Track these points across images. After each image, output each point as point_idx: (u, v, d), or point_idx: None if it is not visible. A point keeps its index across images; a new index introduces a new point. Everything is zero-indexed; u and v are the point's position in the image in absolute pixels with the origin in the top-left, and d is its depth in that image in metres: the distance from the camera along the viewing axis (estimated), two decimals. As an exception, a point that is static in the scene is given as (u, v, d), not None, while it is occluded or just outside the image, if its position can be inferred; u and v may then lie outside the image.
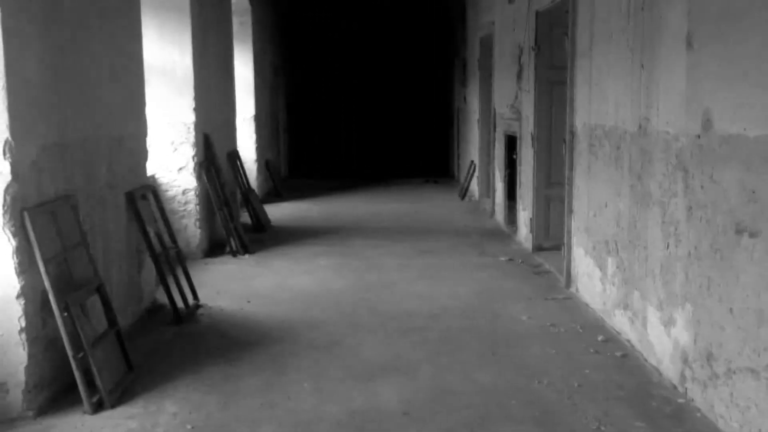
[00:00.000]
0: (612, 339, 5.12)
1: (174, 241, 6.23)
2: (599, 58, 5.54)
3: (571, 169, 6.33)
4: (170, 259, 5.97)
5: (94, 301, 4.52)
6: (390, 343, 5.17)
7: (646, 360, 4.64)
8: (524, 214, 8.32)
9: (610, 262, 5.34)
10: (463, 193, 12.43)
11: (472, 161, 12.46)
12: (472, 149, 12.78)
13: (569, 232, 6.40)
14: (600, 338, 5.12)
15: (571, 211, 6.37)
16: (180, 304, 5.88)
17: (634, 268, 4.87)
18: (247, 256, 8.08)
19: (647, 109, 4.56)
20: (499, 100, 9.89)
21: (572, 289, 6.32)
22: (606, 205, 5.43)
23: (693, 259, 3.96)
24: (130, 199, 5.49)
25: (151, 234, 5.87)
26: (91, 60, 4.80)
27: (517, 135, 8.65)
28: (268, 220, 9.97)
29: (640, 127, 4.71)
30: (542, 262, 7.44)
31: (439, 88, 17.37)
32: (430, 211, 11.36)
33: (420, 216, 10.86)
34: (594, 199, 5.72)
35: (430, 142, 17.79)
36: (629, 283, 4.96)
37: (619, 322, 5.15)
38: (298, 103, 17.75)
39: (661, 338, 4.41)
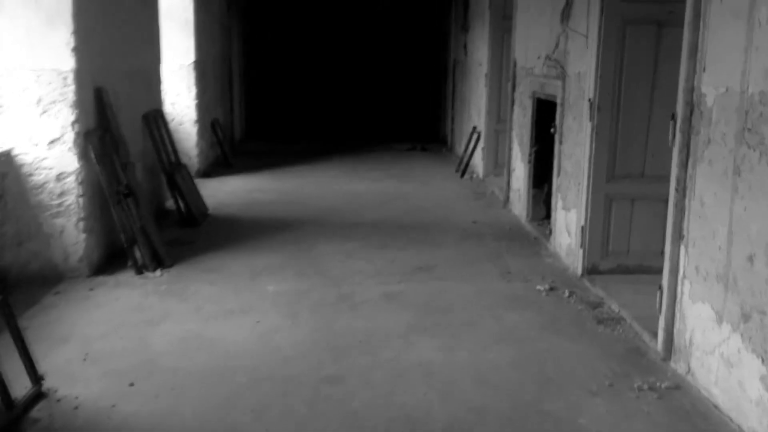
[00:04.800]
0: None
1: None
2: (788, -33, 2.91)
3: (685, 166, 3.73)
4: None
5: None
6: None
7: None
8: (567, 217, 5.74)
9: (800, 361, 2.79)
10: (463, 169, 9.79)
11: (475, 128, 9.81)
12: (474, 113, 10.12)
13: (675, 270, 3.83)
14: None
15: (680, 237, 3.79)
16: (-1, 399, 3.27)
17: None
18: (159, 272, 5.42)
19: None
20: (524, 50, 7.21)
21: (678, 367, 3.78)
22: (789, 249, 2.86)
23: None
24: None
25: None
26: None
27: (557, 99, 6.02)
28: (204, 208, 7.28)
29: None
30: (603, 298, 4.89)
31: (431, 34, 14.53)
32: (422, 193, 8.72)
33: (410, 202, 8.21)
34: (752, 229, 3.14)
35: (418, 101, 14.99)
36: None
37: (826, 486, 2.63)
38: (258, 48, 14.79)
39: None
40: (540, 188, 6.92)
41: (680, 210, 3.78)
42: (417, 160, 11.49)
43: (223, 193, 8.49)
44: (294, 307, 4.78)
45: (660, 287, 3.96)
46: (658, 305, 3.96)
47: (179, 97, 9.05)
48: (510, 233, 6.77)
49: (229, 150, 10.78)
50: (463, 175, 9.72)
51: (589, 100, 5.16)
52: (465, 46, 10.92)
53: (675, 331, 3.84)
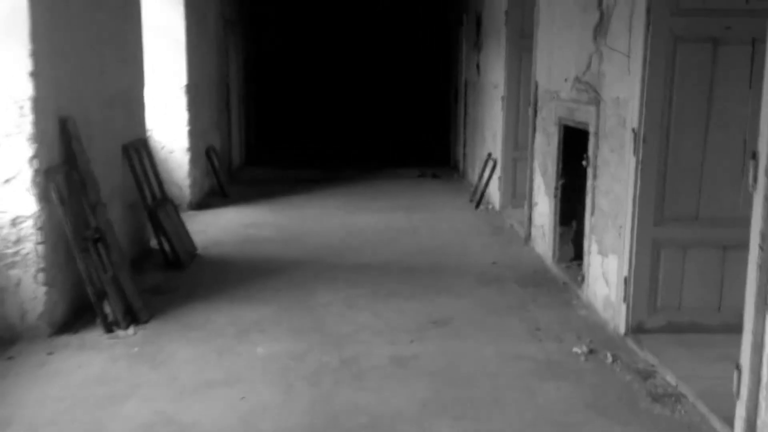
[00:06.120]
0: None
1: None
2: None
3: (773, 216, 2.97)
4: None
5: None
6: None
7: None
8: (604, 263, 4.98)
9: None
10: (478, 199, 9.04)
11: (490, 154, 9.08)
12: (488, 137, 9.39)
13: (758, 347, 3.05)
14: None
15: (766, 305, 3.02)
16: None
17: None
18: (132, 330, 4.67)
19: None
20: (547, 70, 6.49)
21: (764, 469, 3.00)
22: None
23: None
24: None
25: None
26: None
27: (590, 128, 5.28)
28: (192, 248, 6.54)
29: None
30: (655, 366, 4.11)
31: (441, 54, 13.85)
32: (434, 227, 7.96)
33: (421, 238, 7.45)
34: None
35: (427, 123, 14.29)
36: None
37: None
38: (258, 69, 14.17)
39: None
40: (568, 225, 6.17)
41: (766, 272, 3.01)
42: (427, 188, 10.74)
43: (215, 228, 7.76)
44: (287, 377, 4.02)
45: (738, 366, 3.18)
46: (735, 388, 3.19)
47: (170, 123, 8.34)
48: (535, 277, 6.00)
49: (226, 178, 10.06)
50: (477, 205, 8.96)
51: (633, 129, 4.42)
52: (478, 66, 10.22)
53: (759, 423, 3.05)
